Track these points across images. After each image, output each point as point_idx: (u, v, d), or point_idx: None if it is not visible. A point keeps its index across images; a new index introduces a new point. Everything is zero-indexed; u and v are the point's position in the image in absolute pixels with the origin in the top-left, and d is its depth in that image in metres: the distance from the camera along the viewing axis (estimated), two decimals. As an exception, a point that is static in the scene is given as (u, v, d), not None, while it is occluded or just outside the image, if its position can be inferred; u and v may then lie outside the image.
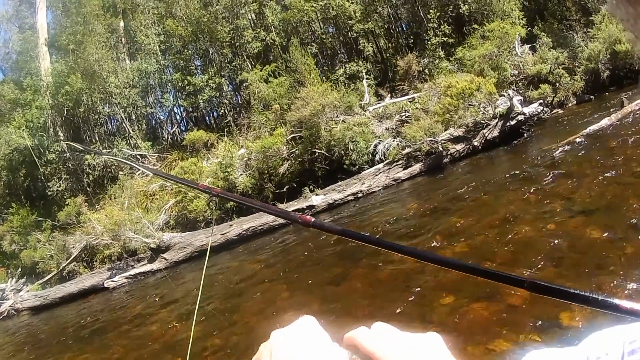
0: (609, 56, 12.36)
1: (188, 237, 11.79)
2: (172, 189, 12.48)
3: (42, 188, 16.49)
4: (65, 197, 15.33)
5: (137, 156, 14.95)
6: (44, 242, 14.90)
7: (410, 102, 12.59)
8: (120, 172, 14.57)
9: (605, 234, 4.66)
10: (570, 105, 12.57)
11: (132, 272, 12.52)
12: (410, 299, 4.89)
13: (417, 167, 10.87)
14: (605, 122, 8.78)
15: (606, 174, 6.25)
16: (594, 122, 9.03)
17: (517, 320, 3.76)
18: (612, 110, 9.63)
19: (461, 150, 10.93)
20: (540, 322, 3.64)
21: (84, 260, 14.40)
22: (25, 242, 15.24)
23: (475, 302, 4.41)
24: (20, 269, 15.19)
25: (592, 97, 12.28)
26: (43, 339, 9.37)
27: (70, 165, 15.97)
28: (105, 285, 12.56)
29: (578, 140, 8.41)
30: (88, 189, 15.40)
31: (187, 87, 16.34)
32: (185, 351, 5.97)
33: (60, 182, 15.79)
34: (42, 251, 14.44)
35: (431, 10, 14.76)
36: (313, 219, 1.25)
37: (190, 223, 11.87)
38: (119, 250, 13.00)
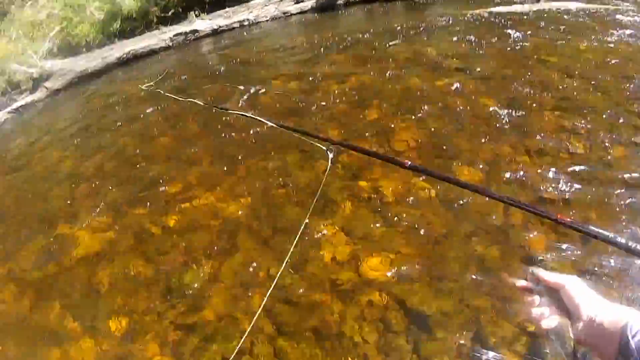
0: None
1: (69, 63, 11.20)
2: (59, 16, 11.78)
3: None
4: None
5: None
6: None
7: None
8: (13, 5, 13.69)
9: (495, 103, 4.51)
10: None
11: (14, 105, 11.89)
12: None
13: (308, 4, 10.58)
14: (517, 7, 8.48)
15: (505, 51, 5.95)
16: (503, 3, 8.65)
17: None
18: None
19: (358, -5, 10.68)
20: None
21: (-29, 103, 13.54)
22: None
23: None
24: None
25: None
26: None
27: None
28: (-12, 124, 11.88)
29: (483, 14, 8.05)
30: (-20, 28, 14.42)
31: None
32: (58, 178, 5.42)
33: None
34: None
35: None
36: (409, 162, 1.43)
37: (73, 49, 11.24)
38: (4, 85, 12.27)
